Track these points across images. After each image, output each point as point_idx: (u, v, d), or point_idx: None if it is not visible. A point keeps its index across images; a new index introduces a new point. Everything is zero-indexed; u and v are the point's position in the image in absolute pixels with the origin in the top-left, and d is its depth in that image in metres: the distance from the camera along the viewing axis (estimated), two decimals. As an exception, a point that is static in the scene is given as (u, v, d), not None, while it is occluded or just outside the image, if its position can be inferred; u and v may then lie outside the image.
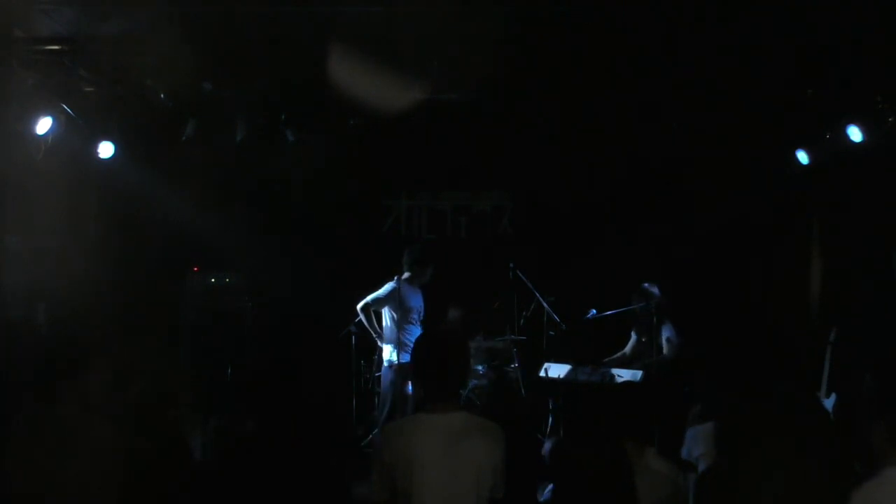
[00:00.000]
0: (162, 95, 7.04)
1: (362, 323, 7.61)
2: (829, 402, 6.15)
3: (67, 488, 3.14)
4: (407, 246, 7.80)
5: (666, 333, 7.43)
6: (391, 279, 7.37)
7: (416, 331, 7.33)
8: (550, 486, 3.80)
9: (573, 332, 7.62)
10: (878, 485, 2.55)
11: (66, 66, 6.52)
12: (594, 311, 7.54)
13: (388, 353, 7.47)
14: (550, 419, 7.36)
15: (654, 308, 7.35)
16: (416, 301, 7.51)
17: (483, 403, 7.48)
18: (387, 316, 7.52)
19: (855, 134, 6.88)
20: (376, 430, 7.29)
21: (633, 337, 7.82)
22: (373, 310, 7.54)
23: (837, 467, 2.98)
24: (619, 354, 7.82)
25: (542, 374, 7.31)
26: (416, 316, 7.48)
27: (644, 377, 6.91)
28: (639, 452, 3.44)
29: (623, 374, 7.02)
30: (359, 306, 7.54)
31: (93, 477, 3.14)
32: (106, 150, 7.44)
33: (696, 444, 4.07)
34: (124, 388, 3.39)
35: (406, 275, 7.50)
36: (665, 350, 7.40)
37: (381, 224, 9.36)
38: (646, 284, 7.51)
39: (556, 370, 7.29)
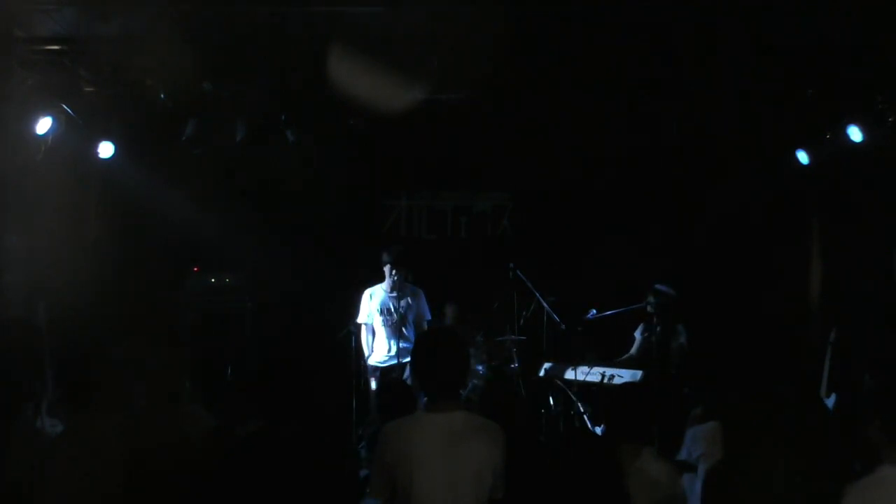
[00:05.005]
0: (162, 95, 7.03)
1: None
2: (829, 402, 6.14)
3: (70, 489, 3.14)
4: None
5: (681, 336, 7.42)
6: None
7: (385, 332, 7.27)
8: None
9: (573, 332, 7.62)
10: (874, 482, 2.56)
11: (66, 66, 6.51)
12: (594, 311, 7.53)
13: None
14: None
15: (671, 306, 7.31)
16: (393, 303, 7.30)
17: (482, 403, 7.46)
18: None
19: (855, 134, 6.88)
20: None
21: (638, 337, 7.80)
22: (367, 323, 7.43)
23: (837, 467, 2.99)
24: (626, 356, 7.79)
25: (542, 374, 7.30)
26: (388, 319, 7.28)
27: (644, 377, 6.90)
28: (636, 453, 3.44)
29: (623, 374, 7.02)
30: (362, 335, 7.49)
31: (95, 478, 3.13)
32: (106, 150, 7.43)
33: (696, 444, 4.06)
34: (124, 389, 3.38)
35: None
36: (674, 351, 7.39)
37: (381, 224, 9.35)
38: (658, 285, 7.48)
39: (556, 370, 7.28)
